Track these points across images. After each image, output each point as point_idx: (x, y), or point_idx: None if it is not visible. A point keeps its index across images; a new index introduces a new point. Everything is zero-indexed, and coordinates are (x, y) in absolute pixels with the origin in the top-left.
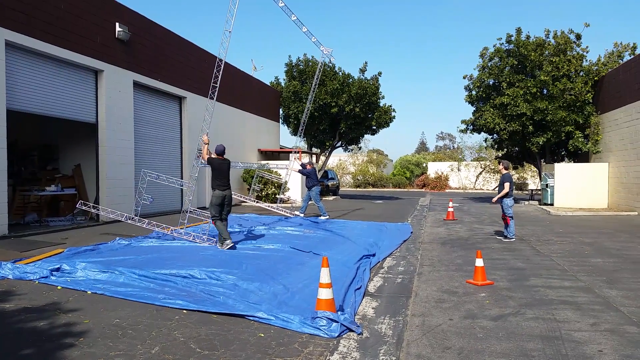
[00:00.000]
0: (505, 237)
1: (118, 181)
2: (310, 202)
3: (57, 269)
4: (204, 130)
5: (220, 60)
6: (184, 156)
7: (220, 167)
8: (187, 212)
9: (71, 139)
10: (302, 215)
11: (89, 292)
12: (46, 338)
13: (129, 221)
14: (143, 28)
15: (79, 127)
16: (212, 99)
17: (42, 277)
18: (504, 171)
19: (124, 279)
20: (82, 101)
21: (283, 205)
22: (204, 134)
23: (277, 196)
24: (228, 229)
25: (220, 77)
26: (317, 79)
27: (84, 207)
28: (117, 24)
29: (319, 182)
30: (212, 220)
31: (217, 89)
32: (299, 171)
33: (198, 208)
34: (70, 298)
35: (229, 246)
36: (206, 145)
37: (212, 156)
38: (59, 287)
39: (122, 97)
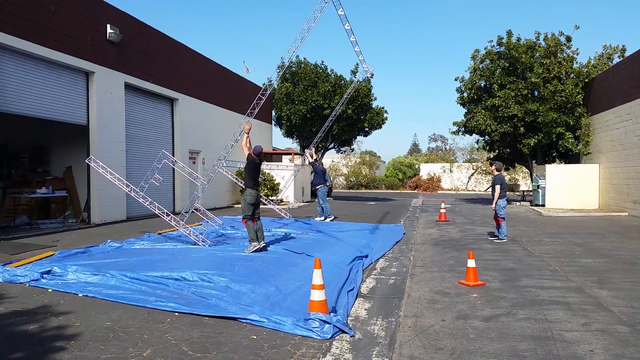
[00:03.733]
0: (497, 237)
1: (109, 183)
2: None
3: (48, 272)
4: (246, 119)
5: (270, 87)
6: (175, 158)
7: (257, 167)
8: (189, 211)
9: (62, 141)
10: (331, 218)
11: (80, 294)
12: (37, 341)
13: (132, 193)
14: (134, 30)
15: (70, 129)
16: (250, 116)
17: (33, 280)
18: (496, 173)
19: (115, 281)
20: (73, 103)
21: (279, 206)
22: (245, 122)
23: (270, 198)
24: (219, 231)
25: (269, 92)
26: (347, 95)
27: (92, 163)
28: (108, 26)
29: (325, 182)
30: (243, 219)
31: (263, 100)
32: (311, 163)
33: (194, 209)
34: (61, 301)
35: (255, 248)
36: (247, 135)
37: (253, 154)
38: (49, 290)
39: (113, 98)
